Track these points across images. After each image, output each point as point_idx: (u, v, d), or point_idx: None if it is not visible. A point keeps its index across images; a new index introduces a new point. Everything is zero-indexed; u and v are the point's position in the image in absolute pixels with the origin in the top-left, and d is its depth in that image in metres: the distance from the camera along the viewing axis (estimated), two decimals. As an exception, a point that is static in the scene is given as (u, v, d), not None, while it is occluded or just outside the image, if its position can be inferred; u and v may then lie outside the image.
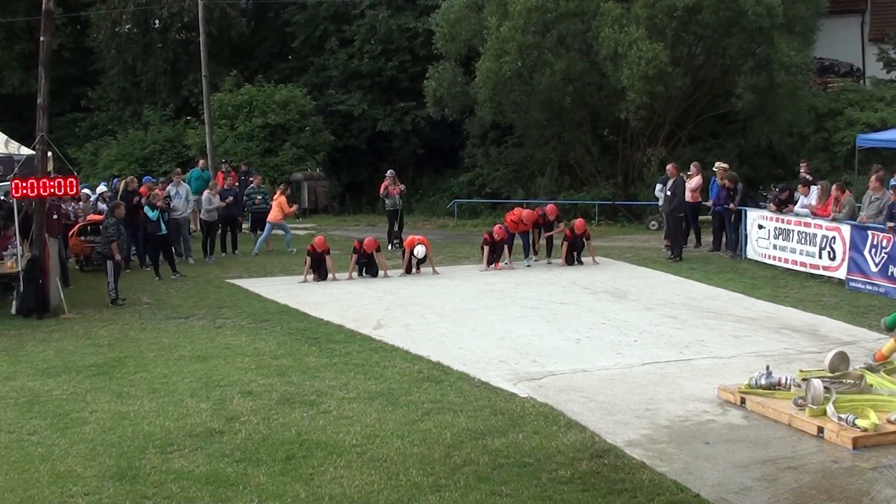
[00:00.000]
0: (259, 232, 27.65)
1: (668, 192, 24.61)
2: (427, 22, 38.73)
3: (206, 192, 26.33)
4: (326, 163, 41.43)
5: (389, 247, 27.36)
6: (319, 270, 21.86)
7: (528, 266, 23.47)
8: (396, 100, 42.35)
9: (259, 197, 27.75)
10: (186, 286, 21.57)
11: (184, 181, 27.13)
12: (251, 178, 29.74)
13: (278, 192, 28.18)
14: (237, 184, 29.79)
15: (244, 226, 28.91)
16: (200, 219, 27.07)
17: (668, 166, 26.14)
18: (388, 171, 28.94)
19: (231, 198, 26.56)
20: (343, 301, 19.02)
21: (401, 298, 19.30)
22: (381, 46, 42.24)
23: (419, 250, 21.83)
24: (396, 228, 28.01)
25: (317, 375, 13.26)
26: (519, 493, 8.88)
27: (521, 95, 35.06)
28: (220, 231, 26.49)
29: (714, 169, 26.31)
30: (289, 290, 20.47)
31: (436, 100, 36.36)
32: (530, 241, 24.46)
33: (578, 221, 24.44)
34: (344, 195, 42.31)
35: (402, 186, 29.21)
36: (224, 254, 26.36)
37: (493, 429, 10.73)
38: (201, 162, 33.57)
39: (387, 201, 28.27)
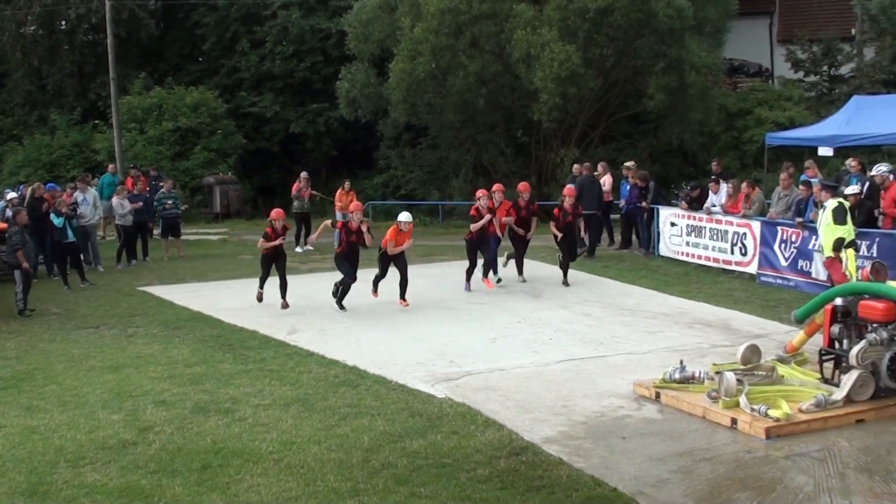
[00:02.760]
0: (171, 238, 27.29)
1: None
2: (340, 23, 38.47)
3: (114, 198, 25.91)
4: (238, 166, 40.98)
5: (297, 249, 27.21)
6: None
7: (500, 281, 21.08)
8: (309, 101, 42.03)
9: (170, 202, 27.33)
10: (96, 295, 21.19)
11: (92, 187, 26.69)
12: (162, 183, 29.31)
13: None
14: (147, 189, 29.35)
15: (155, 231, 28.49)
16: (116, 225, 26.60)
17: (575, 166, 26.52)
18: (302, 173, 28.79)
19: (141, 203, 26.13)
20: (257, 307, 18.83)
21: (316, 303, 19.17)
22: (294, 47, 41.89)
23: (404, 215, 19.44)
24: (304, 232, 27.82)
25: (231, 383, 13.13)
26: (438, 493, 8.87)
27: (435, 97, 35.00)
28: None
29: (622, 169, 26.62)
30: (202, 297, 20.23)
31: (349, 101, 36.13)
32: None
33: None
34: (256, 199, 41.87)
35: (315, 193, 29.14)
36: (135, 261, 25.91)
37: (411, 431, 10.71)
38: (110, 167, 33.08)
39: (295, 203, 28.09)
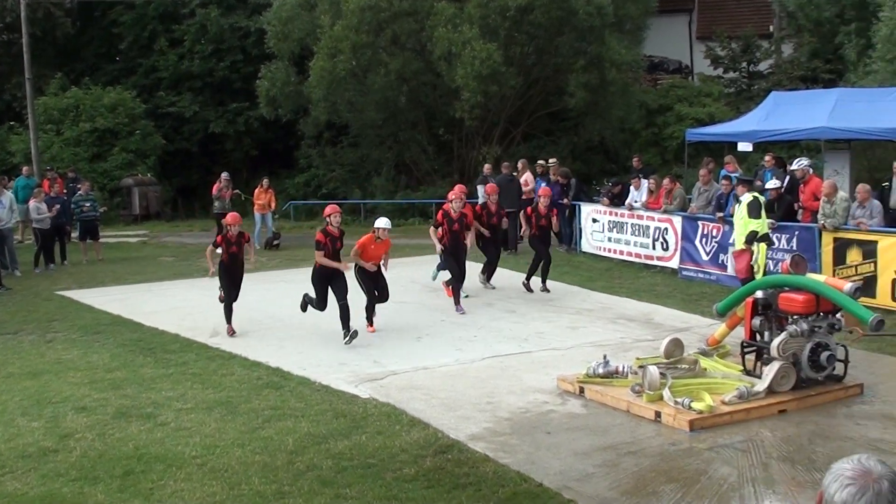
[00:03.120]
0: (89, 241, 26.88)
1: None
2: (259, 21, 38.21)
3: (31, 201, 25.46)
4: (157, 167, 40.50)
5: (219, 250, 26.90)
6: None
7: (467, 297, 18.87)
8: (229, 101, 41.66)
9: (87, 204, 26.91)
10: (14, 300, 20.78)
11: (7, 190, 26.20)
12: (79, 185, 28.84)
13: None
14: (65, 191, 28.89)
15: (73, 234, 28.04)
16: (33, 228, 26.11)
17: (486, 166, 26.74)
18: (223, 174, 28.54)
19: (58, 206, 25.69)
20: (178, 309, 18.62)
21: (237, 304, 18.96)
22: (212, 46, 41.48)
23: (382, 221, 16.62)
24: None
25: (153, 387, 12.93)
26: (364, 494, 8.81)
27: (356, 95, 34.95)
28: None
29: (536, 166, 26.86)
30: (122, 301, 19.93)
31: (269, 100, 35.90)
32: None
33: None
34: (176, 200, 41.49)
35: (237, 192, 28.91)
36: (53, 265, 25.47)
37: (336, 432, 10.64)
38: (25, 169, 32.46)
39: (216, 203, 27.86)
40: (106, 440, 10.69)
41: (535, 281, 19.53)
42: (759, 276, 15.75)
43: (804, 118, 21.62)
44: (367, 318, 16.19)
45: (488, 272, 20.21)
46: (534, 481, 9.08)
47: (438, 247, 18.19)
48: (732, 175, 21.25)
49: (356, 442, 10.27)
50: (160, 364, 14.27)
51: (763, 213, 16.88)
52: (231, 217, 17.13)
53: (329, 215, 15.88)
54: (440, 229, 18.36)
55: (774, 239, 18.12)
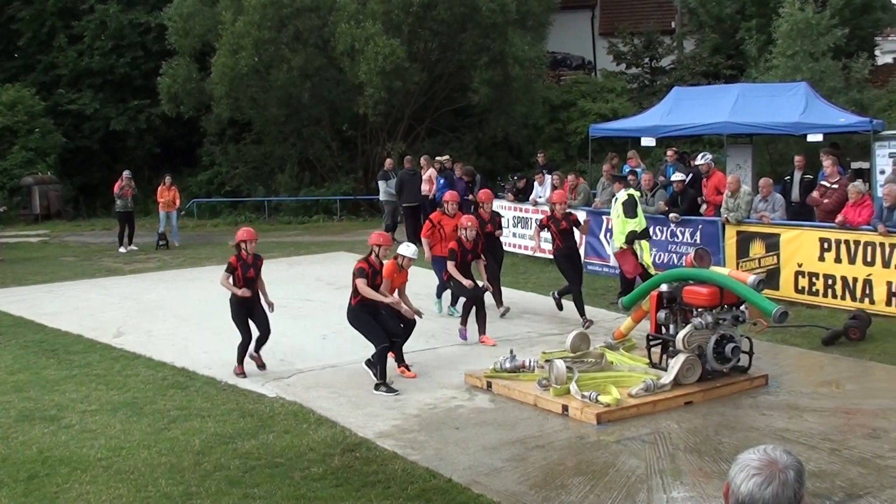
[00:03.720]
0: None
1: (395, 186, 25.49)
2: (159, 16, 37.73)
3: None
4: (58, 166, 39.70)
5: (121, 249, 26.63)
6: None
7: (452, 314, 16.83)
8: (130, 98, 41.00)
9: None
10: None
11: None
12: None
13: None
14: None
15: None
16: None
17: (387, 161, 26.91)
18: (125, 172, 28.13)
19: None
20: (81, 309, 18.30)
21: (141, 304, 18.74)
22: (113, 42, 40.77)
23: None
24: (128, 232, 27.23)
25: (56, 389, 12.69)
26: (272, 494, 8.74)
27: (259, 91, 34.68)
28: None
29: (435, 162, 27.01)
30: (23, 301, 19.52)
31: (171, 97, 35.42)
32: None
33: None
34: (77, 199, 40.74)
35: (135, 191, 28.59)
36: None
37: (243, 432, 10.54)
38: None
39: (118, 202, 27.46)
40: (9, 444, 10.46)
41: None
42: (651, 272, 15.90)
43: (706, 113, 21.89)
44: (397, 358, 13.10)
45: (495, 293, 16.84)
46: (443, 477, 9.08)
47: (466, 283, 15.10)
48: (636, 169, 21.51)
49: (263, 441, 10.18)
50: (63, 365, 13.99)
51: (639, 210, 16.99)
52: (246, 233, 13.84)
53: (378, 245, 13.01)
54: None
55: (679, 233, 18.37)
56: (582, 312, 15.80)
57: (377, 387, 12.20)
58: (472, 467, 9.37)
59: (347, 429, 10.62)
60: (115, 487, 9.01)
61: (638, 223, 16.82)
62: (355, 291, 12.74)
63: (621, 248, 16.87)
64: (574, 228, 16.49)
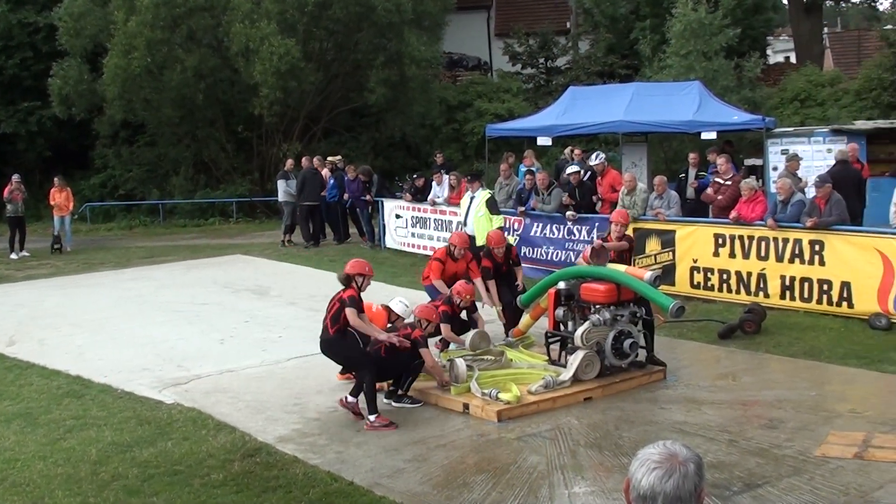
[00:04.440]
0: None
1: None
2: (50, 16, 36.88)
3: None
4: (-56, 170, 38.74)
5: (13, 255, 26.09)
6: None
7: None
8: (20, 100, 39.89)
9: None
10: None
11: None
12: None
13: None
14: None
15: None
16: None
17: (287, 161, 26.93)
18: (14, 176, 27.52)
19: None
20: (-30, 317, 17.87)
21: (34, 311, 18.35)
22: (1, 43, 39.81)
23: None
24: (18, 237, 26.66)
25: (-54, 400, 12.37)
26: (172, 502, 8.64)
27: (152, 92, 34.14)
28: None
29: (326, 163, 27.05)
30: None
31: (62, 99, 34.62)
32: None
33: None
34: (-35, 204, 39.77)
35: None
36: None
37: (141, 440, 10.37)
38: None
39: (8, 207, 26.87)
40: None
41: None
42: None
43: (602, 112, 22.14)
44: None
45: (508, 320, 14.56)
46: (344, 480, 9.03)
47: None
48: (532, 169, 21.67)
49: (162, 449, 10.03)
50: (-48, 376, 13.65)
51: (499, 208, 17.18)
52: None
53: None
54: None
55: (575, 231, 18.56)
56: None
57: (399, 399, 11.50)
58: (374, 469, 9.34)
59: (247, 434, 10.50)
60: (11, 500, 8.81)
61: (500, 220, 17.11)
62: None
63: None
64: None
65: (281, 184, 27.18)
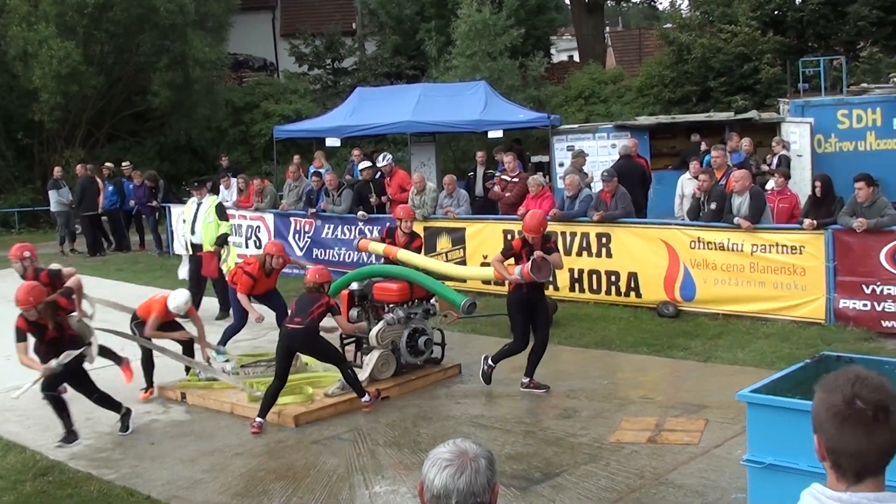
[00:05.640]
0: None
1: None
2: None
3: None
4: None
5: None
6: None
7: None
8: None
9: None
10: None
11: None
12: None
13: None
14: None
15: None
16: None
17: (56, 169, 26.90)
18: None
19: None
20: None
21: None
22: None
23: None
24: None
25: None
26: (-43, 528, 8.29)
27: (-75, 100, 32.76)
28: None
29: (103, 169, 26.59)
30: None
31: None
32: None
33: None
34: None
35: None
36: None
37: (-78, 464, 9.91)
38: None
39: None
40: None
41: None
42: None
43: (389, 113, 22.32)
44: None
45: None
46: (141, 495, 8.87)
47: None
48: (321, 170, 21.66)
49: (-53, 473, 9.63)
50: None
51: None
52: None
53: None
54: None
55: (367, 231, 18.65)
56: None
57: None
58: (171, 482, 9.19)
59: (38, 452, 10.20)
60: None
61: (229, 227, 17.19)
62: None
63: (208, 250, 16.73)
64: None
65: (52, 193, 26.43)
